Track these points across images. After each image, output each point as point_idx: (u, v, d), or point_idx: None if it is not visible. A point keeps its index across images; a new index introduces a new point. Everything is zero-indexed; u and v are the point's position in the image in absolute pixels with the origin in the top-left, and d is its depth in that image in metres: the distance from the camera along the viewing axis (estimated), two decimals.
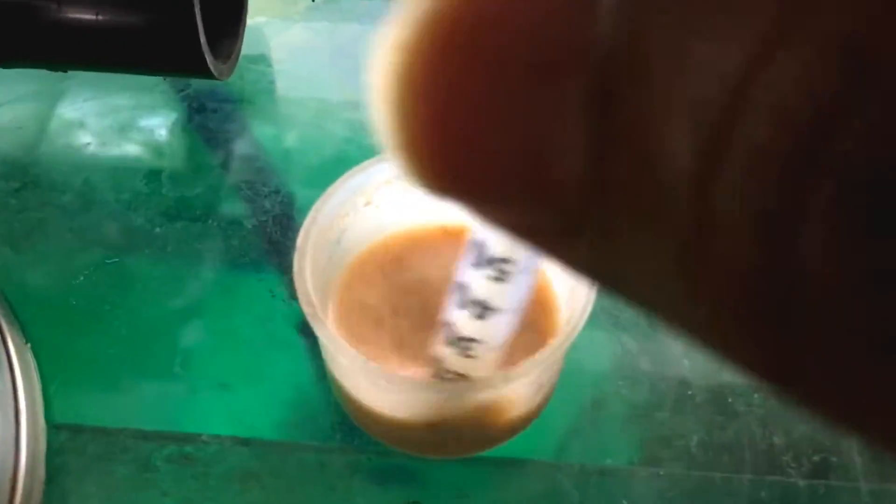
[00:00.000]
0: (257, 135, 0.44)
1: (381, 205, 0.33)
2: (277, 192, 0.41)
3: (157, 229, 0.40)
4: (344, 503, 0.33)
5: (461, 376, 0.27)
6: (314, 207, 0.30)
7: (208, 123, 0.45)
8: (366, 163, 0.31)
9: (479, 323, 0.24)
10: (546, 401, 0.33)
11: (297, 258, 0.29)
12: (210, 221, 0.40)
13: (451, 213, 0.34)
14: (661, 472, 0.33)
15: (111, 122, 0.44)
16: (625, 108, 0.09)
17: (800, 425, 0.34)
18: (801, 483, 0.33)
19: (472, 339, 0.25)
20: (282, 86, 0.47)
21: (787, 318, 0.08)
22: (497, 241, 0.21)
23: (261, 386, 0.35)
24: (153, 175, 0.42)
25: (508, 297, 0.23)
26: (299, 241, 0.30)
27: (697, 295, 0.09)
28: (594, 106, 0.09)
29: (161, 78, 0.46)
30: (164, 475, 0.33)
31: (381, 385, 0.28)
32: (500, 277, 0.22)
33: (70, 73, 0.43)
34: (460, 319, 0.25)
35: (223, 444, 0.34)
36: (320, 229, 0.30)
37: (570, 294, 0.30)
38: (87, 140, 0.44)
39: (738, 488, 0.33)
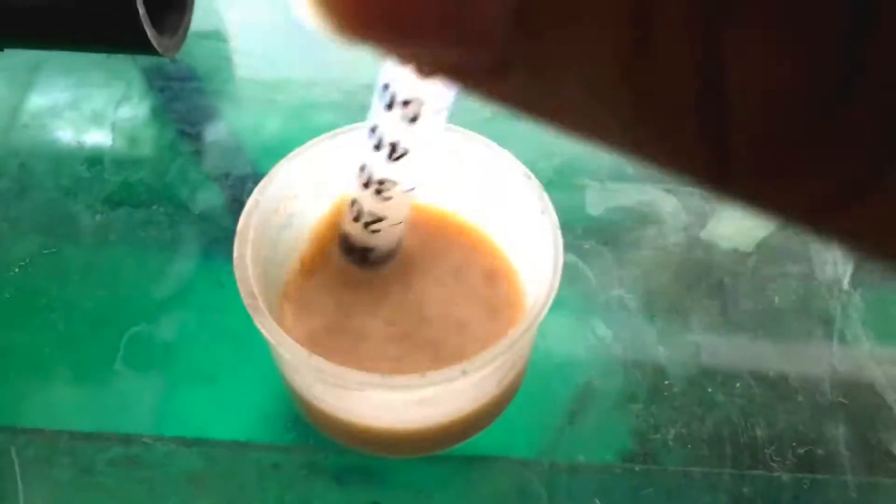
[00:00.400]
0: (208, 114, 0.42)
1: (335, 185, 0.31)
2: (228, 175, 0.39)
3: (98, 216, 0.38)
4: None
5: (377, 220, 0.26)
6: (257, 189, 0.28)
7: (155, 102, 0.42)
8: (314, 140, 0.29)
9: (394, 164, 0.24)
10: (511, 394, 0.30)
11: (237, 245, 0.27)
12: (155, 207, 0.38)
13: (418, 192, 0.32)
14: (637, 469, 0.31)
15: (48, 100, 0.42)
16: None
17: (783, 416, 0.32)
18: (786, 477, 0.31)
19: (387, 181, 0.25)
20: (235, 62, 0.45)
21: (723, 110, 0.09)
22: (406, 81, 0.21)
23: (209, 383, 0.33)
24: (94, 159, 0.40)
25: (421, 138, 0.23)
26: (240, 225, 0.27)
27: (637, 103, 0.09)
28: None
29: (104, 55, 0.43)
30: (107, 479, 0.31)
31: (329, 382, 0.26)
32: (413, 118, 0.22)
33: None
34: (376, 161, 0.24)
35: (170, 446, 0.32)
36: (264, 213, 0.28)
37: (534, 277, 0.28)
38: (23, 121, 0.41)
39: (718, 484, 0.31)
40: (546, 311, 0.26)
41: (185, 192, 0.38)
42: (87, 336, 0.34)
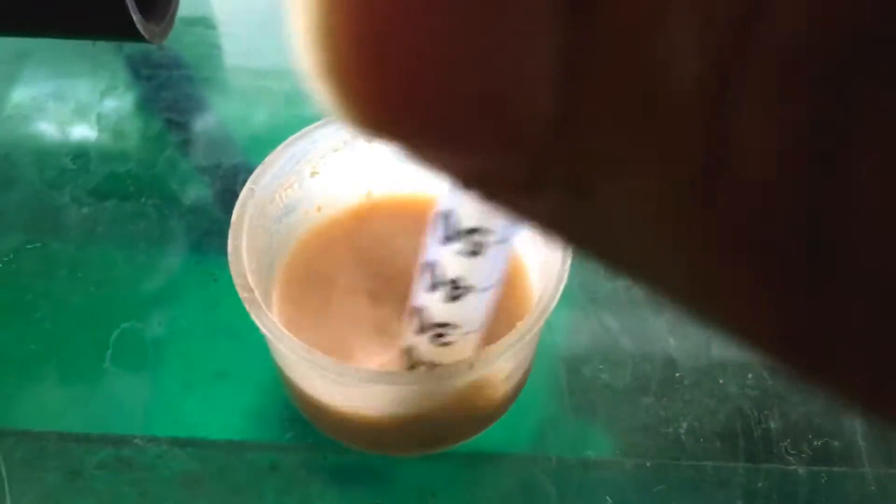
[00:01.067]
0: (196, 103, 0.41)
1: (330, 175, 0.30)
2: (219, 165, 0.38)
3: (85, 209, 0.36)
4: None
5: (437, 366, 0.24)
6: (251, 178, 0.27)
7: (142, 92, 0.41)
8: (309, 128, 0.28)
9: (453, 305, 0.21)
10: (518, 389, 0.29)
11: (232, 236, 0.26)
12: (144, 200, 0.37)
13: (411, 183, 0.31)
14: (648, 464, 0.30)
15: (31, 91, 0.41)
16: (608, 6, 0.07)
17: (798, 407, 0.31)
18: (802, 471, 0.30)
19: (446, 325, 0.22)
20: (224, 49, 0.43)
21: (823, 274, 0.07)
22: (468, 209, 0.18)
23: (203, 381, 0.32)
24: (79, 149, 0.38)
25: (484, 273, 0.20)
26: (234, 216, 0.26)
27: (704, 247, 0.07)
28: (568, 4, 0.07)
29: (89, 43, 0.42)
30: (97, 482, 0.30)
31: (330, 378, 0.25)
32: (474, 251, 0.19)
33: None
34: (432, 303, 0.22)
35: (162, 447, 0.31)
36: (259, 203, 0.27)
37: (543, 269, 0.27)
38: (6, 112, 0.40)
39: (732, 478, 0.30)
40: (555, 303, 0.25)
41: (173, 184, 0.37)
42: (75, 333, 0.33)
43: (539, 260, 0.28)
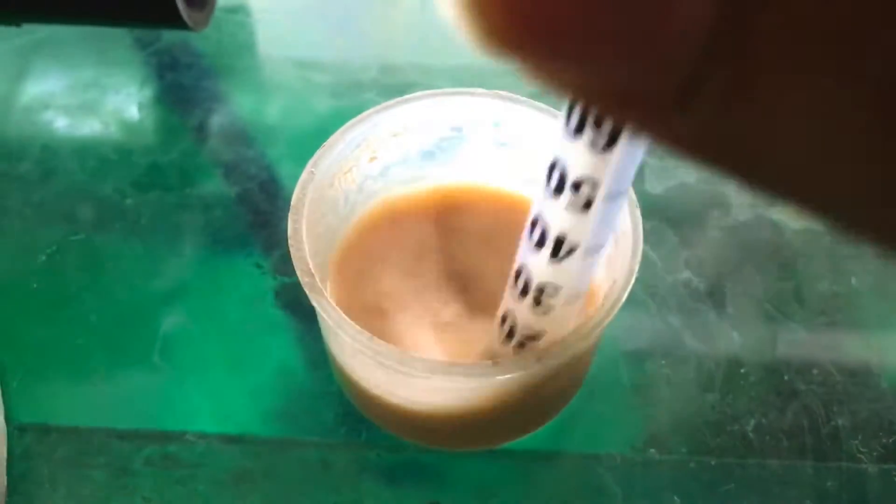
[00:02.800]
0: (237, 94, 0.40)
1: (389, 160, 0.29)
2: (263, 155, 0.37)
3: (128, 201, 0.36)
4: None
5: (533, 337, 0.23)
6: (311, 161, 0.26)
7: (182, 81, 0.40)
8: (369, 111, 0.27)
9: (558, 265, 0.20)
10: (579, 383, 0.28)
11: (292, 220, 0.25)
12: (187, 191, 0.36)
13: (473, 172, 0.30)
14: (713, 462, 0.29)
15: (73, 81, 0.40)
16: None
17: (867, 404, 0.30)
18: (872, 469, 0.29)
19: (548, 286, 0.21)
20: (262, 39, 0.43)
21: None
22: (579, 158, 0.17)
23: (252, 375, 0.31)
24: (121, 140, 0.38)
25: (592, 230, 0.19)
26: (294, 199, 0.25)
27: None
28: None
29: (127, 32, 0.41)
30: (144, 479, 0.29)
31: (392, 369, 0.24)
32: (585, 204, 0.18)
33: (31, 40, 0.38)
34: (537, 261, 0.20)
35: (211, 443, 0.30)
36: (318, 187, 0.26)
37: (609, 263, 0.26)
38: (46, 103, 0.39)
39: (800, 477, 0.29)
40: (625, 296, 0.24)
41: (217, 174, 0.36)
42: (121, 327, 0.32)
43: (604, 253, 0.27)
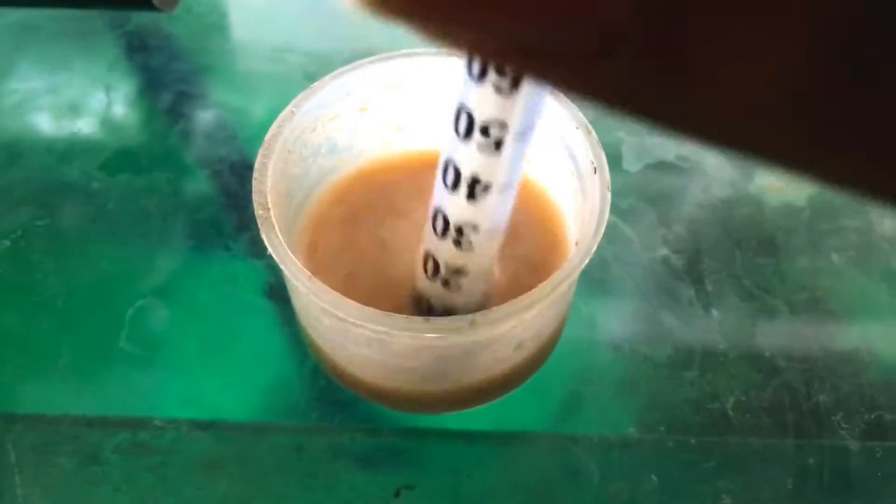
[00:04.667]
0: (208, 76, 0.39)
1: (381, 114, 0.28)
2: (234, 137, 0.36)
3: (95, 184, 0.35)
4: (326, 491, 0.28)
5: (457, 273, 0.23)
6: (293, 102, 0.26)
7: (152, 63, 0.39)
8: (363, 60, 0.27)
9: (472, 205, 0.21)
10: (546, 351, 0.28)
11: (261, 153, 0.25)
12: (156, 174, 0.35)
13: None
14: (693, 441, 0.29)
15: (42, 64, 0.39)
16: None
17: (848, 380, 0.30)
18: (854, 446, 0.29)
19: (466, 225, 0.22)
20: (235, 21, 0.42)
21: None
22: (485, 102, 0.18)
23: (223, 360, 0.31)
24: (88, 123, 0.37)
25: (503, 169, 0.20)
26: (268, 134, 0.25)
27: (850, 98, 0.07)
28: None
29: (98, 14, 0.40)
30: (114, 468, 0.29)
31: (328, 312, 0.23)
32: (494, 146, 0.19)
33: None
34: (452, 203, 0.21)
35: (181, 430, 0.29)
36: (297, 128, 0.26)
37: (580, 228, 0.26)
38: (13, 87, 0.38)
39: (781, 455, 0.29)
40: (576, 274, 0.23)
41: (187, 156, 0.36)
42: (88, 312, 0.32)
43: (573, 223, 0.27)
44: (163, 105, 0.38)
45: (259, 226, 0.23)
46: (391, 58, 0.27)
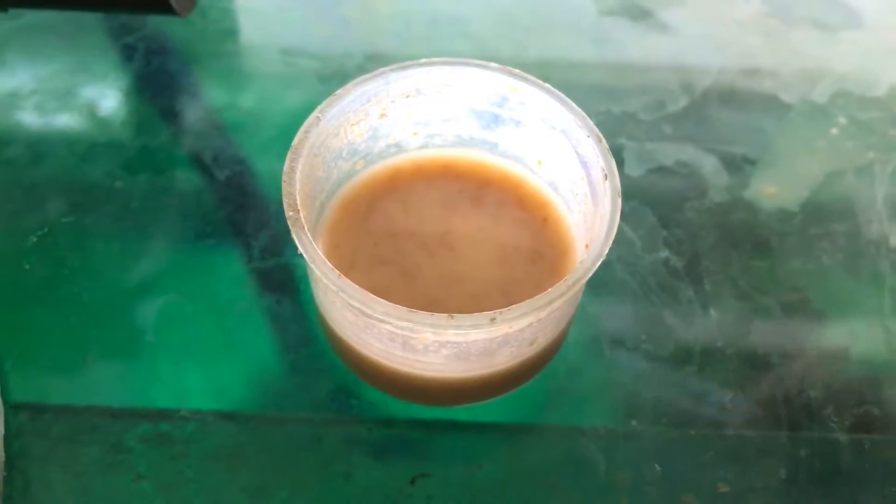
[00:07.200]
0: (220, 80, 0.40)
1: (399, 120, 0.30)
2: (247, 140, 0.37)
3: (118, 183, 0.36)
4: (343, 480, 0.29)
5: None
6: (318, 108, 0.27)
7: (166, 67, 0.40)
8: (384, 69, 0.28)
9: None
10: (556, 347, 0.29)
11: (289, 158, 0.26)
12: (176, 174, 0.36)
13: (475, 143, 0.31)
14: (693, 433, 0.30)
15: (59, 67, 0.40)
16: None
17: (838, 376, 0.32)
18: (844, 438, 0.30)
19: None
20: (246, 26, 0.43)
21: None
22: None
23: (244, 353, 0.32)
24: (109, 125, 0.38)
25: None
26: (295, 140, 0.26)
27: None
28: None
29: (110, 18, 0.41)
30: (138, 457, 0.30)
31: (353, 307, 0.24)
32: None
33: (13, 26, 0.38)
34: None
35: (204, 420, 0.30)
36: (322, 133, 0.27)
37: (587, 235, 0.27)
38: (33, 88, 0.39)
39: (775, 446, 0.30)
40: (590, 275, 0.24)
41: (206, 157, 0.37)
42: (114, 307, 0.33)
43: (585, 228, 0.28)
44: (179, 107, 0.39)
45: (290, 226, 0.24)
46: (410, 66, 0.28)
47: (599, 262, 0.24)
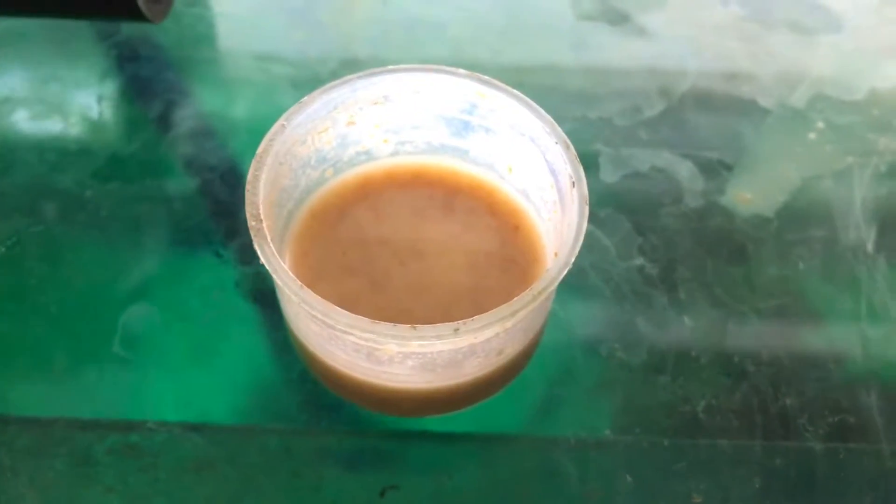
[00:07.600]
0: (197, 86, 0.40)
1: (368, 127, 0.29)
2: (223, 146, 0.37)
3: (89, 192, 0.36)
4: (313, 492, 0.29)
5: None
6: (284, 115, 0.27)
7: (142, 73, 0.40)
8: (352, 76, 0.28)
9: None
10: (527, 356, 0.29)
11: (254, 166, 0.25)
12: (148, 182, 0.36)
13: (442, 150, 0.31)
14: (666, 442, 0.30)
15: (33, 74, 0.40)
16: None
17: (814, 384, 0.31)
18: (819, 447, 0.30)
19: None
20: (222, 32, 0.43)
21: None
22: None
23: (213, 364, 0.32)
24: (81, 132, 0.38)
25: None
26: (260, 148, 0.26)
27: None
28: None
29: (88, 25, 0.41)
30: (106, 469, 0.29)
31: (317, 320, 0.24)
32: None
33: None
34: None
35: (173, 432, 0.30)
36: (288, 140, 0.27)
37: (557, 242, 0.27)
38: (6, 96, 0.39)
39: (749, 456, 0.30)
40: (556, 284, 0.24)
41: (177, 165, 0.37)
42: (82, 317, 0.32)
43: (553, 237, 0.28)
44: (153, 114, 0.39)
45: (252, 237, 0.24)
46: (378, 73, 0.28)
47: (566, 271, 0.24)
